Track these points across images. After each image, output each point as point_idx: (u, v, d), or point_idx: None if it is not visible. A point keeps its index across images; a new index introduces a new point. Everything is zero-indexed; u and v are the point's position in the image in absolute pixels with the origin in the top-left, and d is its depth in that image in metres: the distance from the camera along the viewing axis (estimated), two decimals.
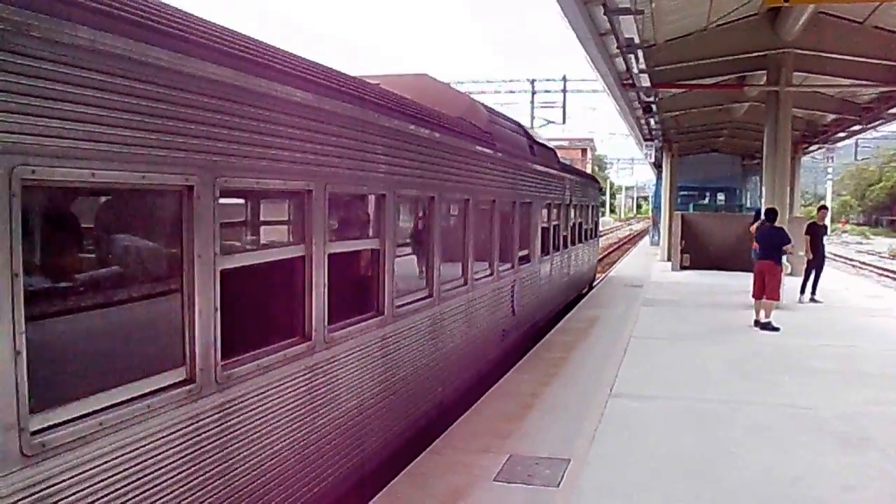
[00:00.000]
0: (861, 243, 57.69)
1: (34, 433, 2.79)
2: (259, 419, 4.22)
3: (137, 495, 3.27)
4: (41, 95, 2.75)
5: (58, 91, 2.82)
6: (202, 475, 3.73)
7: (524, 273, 11.33)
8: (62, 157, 2.84)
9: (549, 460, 6.10)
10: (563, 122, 41.27)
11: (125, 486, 3.20)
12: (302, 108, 4.55)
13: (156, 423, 3.37)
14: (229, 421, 3.94)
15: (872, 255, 42.97)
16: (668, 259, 25.03)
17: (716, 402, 8.02)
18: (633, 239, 53.59)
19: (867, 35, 15.45)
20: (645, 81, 15.25)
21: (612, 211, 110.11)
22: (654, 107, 18.97)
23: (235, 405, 3.99)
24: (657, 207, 37.75)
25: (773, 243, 12.74)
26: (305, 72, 4.78)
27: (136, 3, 3.32)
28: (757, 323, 12.65)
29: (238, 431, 4.02)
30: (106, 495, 3.11)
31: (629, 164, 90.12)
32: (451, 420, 7.26)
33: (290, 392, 4.53)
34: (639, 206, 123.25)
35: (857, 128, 26.22)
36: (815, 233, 16.04)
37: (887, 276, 30.50)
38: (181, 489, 3.56)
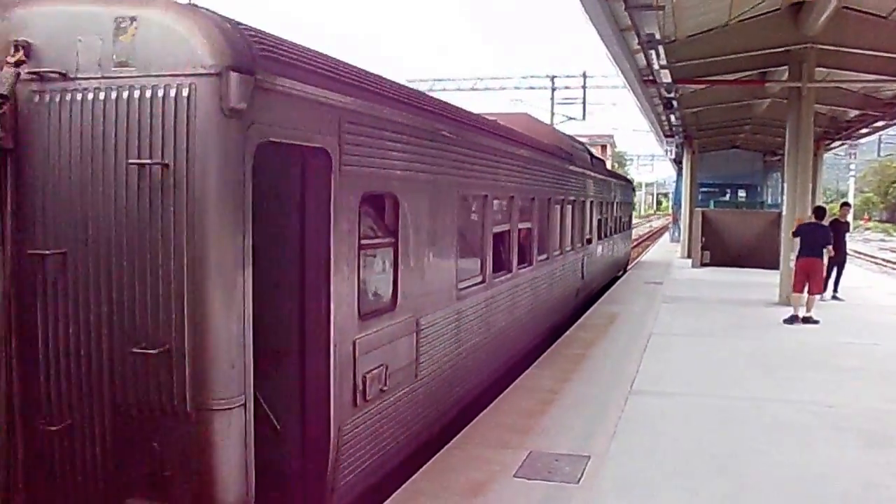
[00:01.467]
0: (884, 241, 56.84)
1: (459, 290, 6.96)
2: (503, 302, 8.69)
3: (475, 322, 7.58)
4: (472, 167, 7.40)
5: (484, 163, 7.88)
6: (487, 324, 8.03)
7: (589, 250, 15.51)
8: (467, 184, 7.25)
9: (569, 457, 6.13)
10: (584, 118, 41.15)
11: (472, 316, 7.48)
12: (517, 157, 9.26)
13: (476, 297, 7.59)
14: (494, 302, 8.29)
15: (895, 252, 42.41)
16: (688, 256, 24.90)
17: (737, 399, 8.00)
18: (653, 236, 53.22)
19: (891, 30, 15.20)
20: (666, 77, 15.12)
21: None
22: (674, 103, 18.82)
23: (496, 295, 8.36)
24: (677, 204, 37.48)
25: (817, 241, 13.16)
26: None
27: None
28: (794, 318, 12.77)
29: (497, 306, 8.43)
30: (471, 316, 7.40)
31: (649, 160, 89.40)
32: (554, 337, 11.21)
33: (508, 290, 8.94)
34: (659, 203, 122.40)
35: (880, 124, 25.80)
36: (838, 230, 15.87)
37: None
38: (479, 328, 7.76)
